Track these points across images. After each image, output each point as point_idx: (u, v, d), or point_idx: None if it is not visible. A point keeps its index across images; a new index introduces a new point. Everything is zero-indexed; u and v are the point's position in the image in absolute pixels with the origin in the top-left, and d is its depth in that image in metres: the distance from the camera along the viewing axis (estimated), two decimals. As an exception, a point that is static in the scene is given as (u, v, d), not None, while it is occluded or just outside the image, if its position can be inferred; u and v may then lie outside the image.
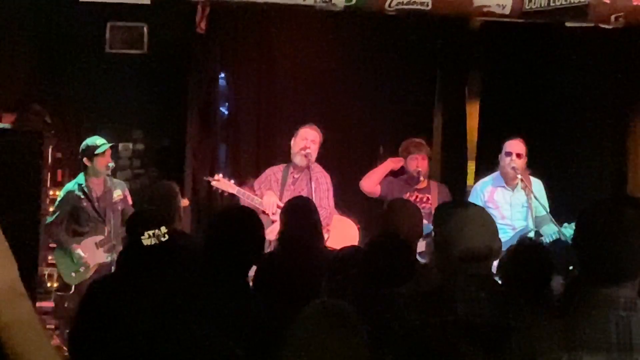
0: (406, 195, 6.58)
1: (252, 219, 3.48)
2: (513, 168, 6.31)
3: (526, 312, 2.70)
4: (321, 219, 6.09)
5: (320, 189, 6.43)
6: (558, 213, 6.25)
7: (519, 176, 6.33)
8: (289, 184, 6.44)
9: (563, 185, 7.19)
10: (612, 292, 2.30)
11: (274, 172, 6.55)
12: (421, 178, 6.73)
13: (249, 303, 3.27)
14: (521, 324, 2.61)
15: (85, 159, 6.63)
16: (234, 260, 3.29)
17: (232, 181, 6.48)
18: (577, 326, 2.30)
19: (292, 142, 6.52)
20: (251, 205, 6.46)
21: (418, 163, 6.77)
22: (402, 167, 6.90)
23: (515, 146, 6.35)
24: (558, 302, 3.59)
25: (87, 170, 6.66)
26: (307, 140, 6.44)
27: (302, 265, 4.46)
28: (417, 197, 6.66)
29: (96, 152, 6.59)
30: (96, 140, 6.66)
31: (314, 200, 6.05)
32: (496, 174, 6.49)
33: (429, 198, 6.66)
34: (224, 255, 3.28)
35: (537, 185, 6.48)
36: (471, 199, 6.54)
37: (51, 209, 6.82)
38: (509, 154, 6.34)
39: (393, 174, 6.92)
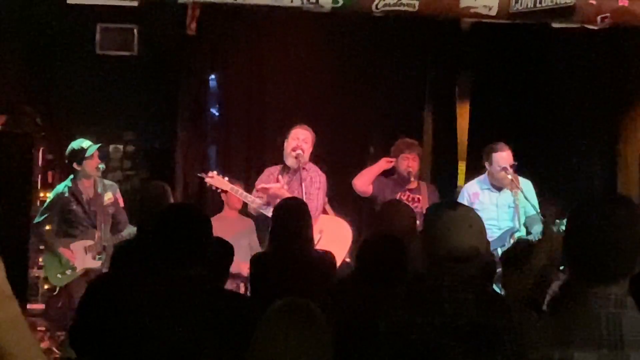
0: (398, 195, 6.60)
1: (194, 217, 3.33)
2: (510, 178, 6.39)
3: (514, 312, 2.70)
4: None
5: (313, 187, 6.43)
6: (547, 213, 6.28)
7: (509, 176, 6.39)
8: (283, 185, 6.45)
9: (552, 185, 7.21)
10: (603, 289, 2.30)
11: (271, 173, 6.54)
12: (412, 178, 6.75)
13: (219, 303, 3.21)
14: (509, 324, 2.62)
15: (74, 164, 6.54)
16: (175, 258, 3.17)
17: (226, 178, 6.48)
18: (567, 324, 2.29)
19: (285, 143, 6.53)
20: (245, 202, 6.48)
21: (409, 163, 6.78)
22: (393, 167, 6.91)
23: (508, 158, 6.40)
24: (548, 301, 3.62)
25: (77, 174, 6.57)
26: (298, 140, 6.44)
27: (293, 265, 4.48)
28: (408, 196, 6.68)
29: (86, 155, 6.51)
30: (82, 143, 6.57)
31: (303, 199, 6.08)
32: (483, 176, 6.53)
33: (419, 198, 6.67)
34: (165, 253, 3.18)
35: (526, 185, 6.53)
36: (459, 201, 6.57)
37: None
38: (504, 168, 6.37)
39: (383, 173, 6.93)
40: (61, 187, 6.63)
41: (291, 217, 4.70)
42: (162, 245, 3.19)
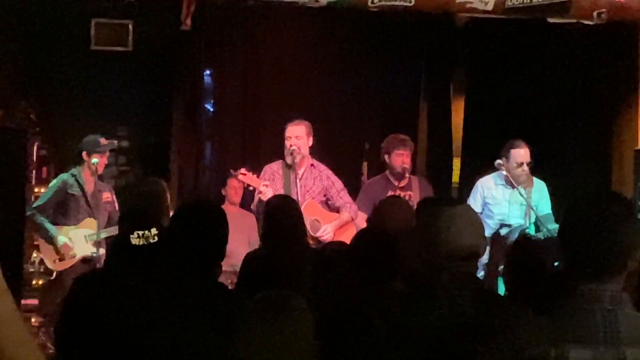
0: (389, 194, 6.58)
1: (213, 215, 3.41)
2: (526, 174, 6.48)
3: (510, 309, 2.70)
4: (352, 213, 6.41)
5: (335, 187, 6.52)
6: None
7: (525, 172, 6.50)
8: (293, 181, 6.45)
9: (547, 182, 7.23)
10: (598, 286, 2.30)
11: (274, 170, 6.57)
12: (406, 174, 6.74)
13: (221, 301, 3.22)
14: (506, 322, 2.61)
15: (84, 153, 6.64)
16: (192, 256, 3.22)
17: (255, 175, 6.50)
18: (563, 321, 2.30)
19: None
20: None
21: (403, 159, 6.77)
22: (385, 164, 6.90)
23: (525, 155, 6.44)
24: (544, 297, 3.62)
25: (83, 165, 6.67)
26: (290, 139, 6.49)
27: (285, 263, 4.48)
28: (400, 195, 6.66)
29: (98, 149, 6.63)
30: (99, 137, 6.74)
31: (334, 198, 6.42)
32: (498, 172, 6.56)
33: (411, 195, 6.66)
34: (183, 251, 3.22)
35: (540, 185, 6.61)
36: (472, 195, 6.62)
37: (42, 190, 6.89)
38: (521, 164, 6.42)
39: (373, 172, 6.92)
40: (66, 175, 6.73)
41: (281, 215, 4.72)
42: (180, 243, 3.20)
